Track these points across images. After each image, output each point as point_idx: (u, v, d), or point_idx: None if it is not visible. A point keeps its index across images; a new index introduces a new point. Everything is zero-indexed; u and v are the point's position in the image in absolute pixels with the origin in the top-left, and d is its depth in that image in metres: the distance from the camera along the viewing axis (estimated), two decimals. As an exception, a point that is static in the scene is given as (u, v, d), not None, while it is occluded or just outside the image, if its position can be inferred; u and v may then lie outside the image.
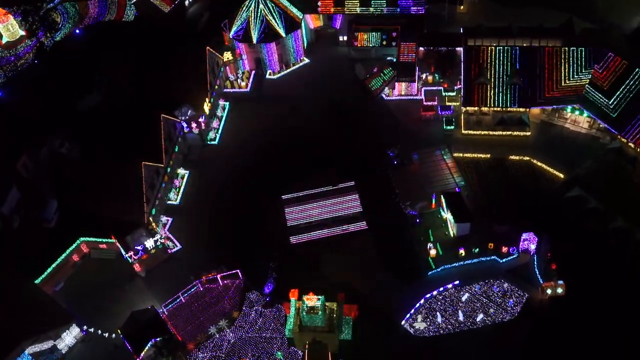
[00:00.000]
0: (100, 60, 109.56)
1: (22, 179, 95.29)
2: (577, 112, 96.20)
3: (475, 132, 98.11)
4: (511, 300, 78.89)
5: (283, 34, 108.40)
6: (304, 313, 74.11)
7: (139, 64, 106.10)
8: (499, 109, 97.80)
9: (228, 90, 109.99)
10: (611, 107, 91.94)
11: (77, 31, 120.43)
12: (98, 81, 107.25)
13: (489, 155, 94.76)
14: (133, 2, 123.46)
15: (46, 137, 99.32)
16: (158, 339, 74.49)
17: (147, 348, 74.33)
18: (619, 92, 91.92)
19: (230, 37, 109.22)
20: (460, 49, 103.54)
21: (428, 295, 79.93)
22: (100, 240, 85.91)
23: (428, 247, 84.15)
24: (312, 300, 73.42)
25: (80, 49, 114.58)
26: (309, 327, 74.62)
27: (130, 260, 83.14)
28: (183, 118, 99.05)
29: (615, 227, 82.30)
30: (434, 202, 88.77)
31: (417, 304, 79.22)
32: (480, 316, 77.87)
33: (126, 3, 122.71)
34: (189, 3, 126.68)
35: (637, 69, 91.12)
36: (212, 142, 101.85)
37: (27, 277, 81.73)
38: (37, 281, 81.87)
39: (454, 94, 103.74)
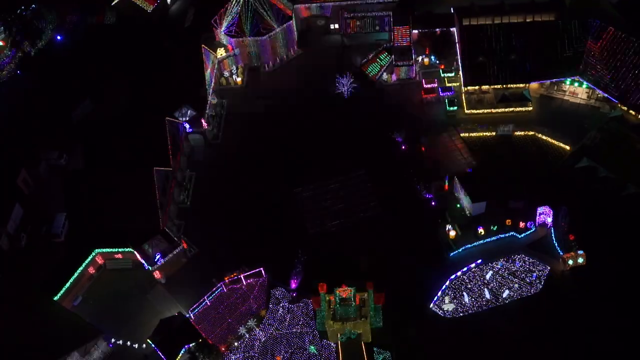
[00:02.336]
0: (90, 66, 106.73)
1: (24, 195, 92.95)
2: (576, 84, 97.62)
3: (478, 111, 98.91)
4: (534, 273, 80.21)
5: (275, 27, 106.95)
6: (338, 305, 74.08)
7: (132, 67, 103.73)
8: (499, 86, 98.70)
9: (224, 87, 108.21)
10: (609, 76, 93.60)
11: (58, 37, 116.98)
12: (90, 88, 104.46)
13: (494, 133, 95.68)
14: (114, 3, 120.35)
15: (44, 150, 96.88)
16: (191, 344, 73.67)
17: (180, 354, 73.50)
18: (615, 60, 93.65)
19: (222, 33, 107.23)
20: (454, 29, 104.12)
21: (453, 277, 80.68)
22: (116, 250, 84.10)
23: (447, 228, 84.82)
24: (346, 292, 73.46)
25: (66, 55, 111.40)
26: (343, 318, 74.65)
27: (150, 268, 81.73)
28: (184, 119, 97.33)
29: (628, 194, 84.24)
30: (447, 183, 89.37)
31: (443, 286, 79.96)
32: (506, 292, 79.02)
33: (104, 7, 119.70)
34: (170, 1, 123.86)
35: (631, 37, 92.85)
36: (215, 141, 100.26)
37: (46, 294, 79.74)
38: (55, 298, 79.94)
39: (453, 74, 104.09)
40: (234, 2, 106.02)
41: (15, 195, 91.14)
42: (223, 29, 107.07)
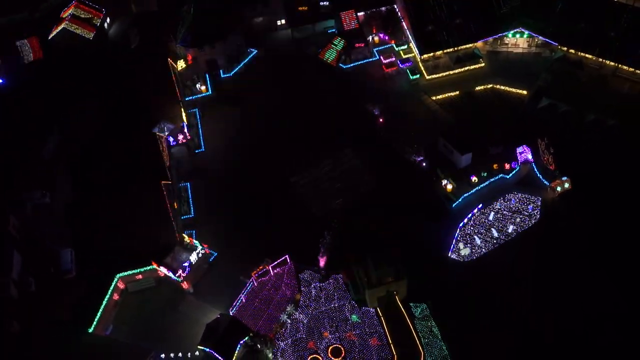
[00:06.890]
0: (48, 100, 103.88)
1: (17, 241, 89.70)
2: (517, 36, 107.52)
3: (438, 75, 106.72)
4: (530, 206, 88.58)
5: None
6: (374, 269, 78.45)
7: (97, 93, 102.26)
8: (451, 49, 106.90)
9: (190, 98, 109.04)
10: (546, 22, 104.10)
11: (1, 81, 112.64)
12: (54, 121, 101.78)
13: (457, 92, 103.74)
14: (51, 37, 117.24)
15: (25, 191, 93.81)
16: (246, 339, 75.50)
17: (237, 351, 75.10)
18: (549, 7, 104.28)
19: (178, 44, 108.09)
20: (395, 5, 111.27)
21: (461, 224, 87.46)
22: (137, 271, 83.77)
23: (443, 183, 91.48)
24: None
25: (16, 96, 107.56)
26: (381, 281, 79.15)
27: (180, 280, 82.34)
28: (164, 134, 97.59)
29: (589, 121, 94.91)
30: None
31: (455, 234, 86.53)
32: (510, 227, 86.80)
33: (38, 44, 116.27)
34: (107, 25, 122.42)
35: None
36: (200, 150, 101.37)
37: (80, 329, 78.31)
38: (90, 330, 78.73)
39: (406, 46, 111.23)
40: (184, 13, 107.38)
41: (10, 242, 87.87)
42: (179, 40, 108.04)
